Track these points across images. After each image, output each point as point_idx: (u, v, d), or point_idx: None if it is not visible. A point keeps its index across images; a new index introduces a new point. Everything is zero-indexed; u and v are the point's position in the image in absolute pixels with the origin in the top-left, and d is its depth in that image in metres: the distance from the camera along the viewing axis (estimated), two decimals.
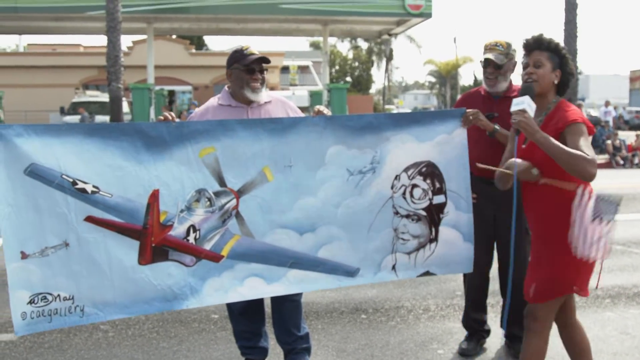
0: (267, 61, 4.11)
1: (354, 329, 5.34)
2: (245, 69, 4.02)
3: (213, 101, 4.20)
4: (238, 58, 4.05)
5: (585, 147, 3.28)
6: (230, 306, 4.29)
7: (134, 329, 5.35)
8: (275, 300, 4.25)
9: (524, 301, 4.68)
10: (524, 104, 3.39)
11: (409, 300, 6.11)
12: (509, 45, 4.54)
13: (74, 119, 25.04)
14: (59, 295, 3.43)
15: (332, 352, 4.84)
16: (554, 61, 3.56)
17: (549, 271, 3.47)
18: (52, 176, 3.37)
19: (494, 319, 5.18)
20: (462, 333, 4.99)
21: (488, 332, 4.91)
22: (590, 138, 3.41)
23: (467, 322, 4.89)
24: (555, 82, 3.58)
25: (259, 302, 4.28)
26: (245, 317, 4.30)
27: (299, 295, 4.28)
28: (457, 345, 4.88)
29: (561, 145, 3.27)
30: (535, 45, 3.58)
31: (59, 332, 5.19)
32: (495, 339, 4.94)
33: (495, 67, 4.50)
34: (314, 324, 5.44)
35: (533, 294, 3.53)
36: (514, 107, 3.41)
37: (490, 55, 4.48)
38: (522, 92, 3.49)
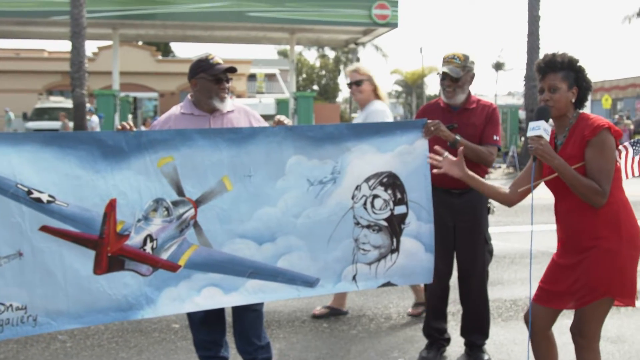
0: (234, 70, 4.11)
1: (315, 338, 5.34)
2: (214, 79, 4.02)
3: (175, 110, 4.18)
4: (205, 68, 4.03)
5: (604, 170, 3.33)
6: (191, 315, 4.26)
7: (93, 339, 5.28)
8: (236, 309, 4.23)
9: (483, 309, 4.78)
10: (539, 130, 3.33)
11: (371, 309, 6.13)
12: (466, 58, 4.58)
13: (38, 125, 24.72)
14: (11, 305, 3.36)
15: None
16: (569, 80, 3.47)
17: (587, 278, 3.40)
18: (7, 185, 3.31)
19: (454, 328, 5.23)
20: (423, 341, 5.02)
21: (448, 340, 4.95)
22: (614, 145, 3.39)
23: (427, 331, 4.92)
24: (573, 100, 3.49)
25: (220, 311, 4.25)
26: (206, 326, 4.27)
27: (261, 304, 4.26)
28: (418, 353, 4.90)
29: (576, 175, 3.31)
30: (548, 67, 3.49)
31: (15, 342, 5.10)
32: (456, 347, 4.98)
33: (452, 80, 4.54)
34: (276, 333, 5.43)
35: (575, 302, 3.47)
36: (530, 132, 3.35)
37: (445, 69, 4.53)
38: (538, 114, 3.42)
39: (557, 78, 3.46)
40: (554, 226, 3.63)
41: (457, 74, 4.53)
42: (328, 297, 5.92)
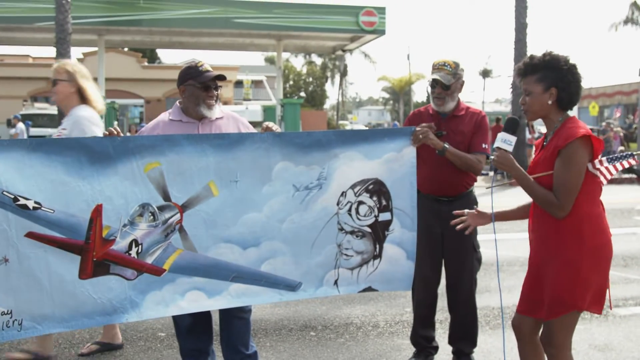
0: (224, 78, 4.09)
1: (302, 347, 5.30)
2: (202, 86, 4.00)
3: (164, 116, 4.16)
4: (193, 75, 4.02)
5: (566, 184, 3.30)
6: (178, 324, 4.23)
7: (77, 348, 5.21)
8: (223, 317, 4.21)
9: (471, 317, 4.76)
10: (498, 142, 3.43)
11: (359, 317, 6.11)
12: (457, 65, 4.57)
13: None
14: None
15: None
16: (546, 80, 3.39)
17: (553, 289, 3.41)
18: None
19: (442, 336, 5.21)
20: (410, 350, 5.00)
21: (436, 348, 4.93)
22: (584, 157, 3.33)
23: (415, 339, 4.90)
24: (550, 102, 3.42)
25: (207, 319, 4.23)
26: (192, 335, 4.23)
27: (248, 312, 4.24)
28: None
29: (533, 187, 3.37)
30: (526, 70, 3.46)
31: None
32: (444, 356, 4.96)
33: (443, 88, 4.53)
34: (263, 341, 5.39)
35: (545, 313, 3.47)
36: (496, 143, 3.45)
37: (437, 76, 4.51)
38: (505, 125, 3.51)
39: (531, 81, 3.44)
40: None
41: (449, 81, 4.51)
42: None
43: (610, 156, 3.55)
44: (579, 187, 3.32)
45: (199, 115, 4.05)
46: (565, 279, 3.36)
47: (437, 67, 4.55)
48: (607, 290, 3.45)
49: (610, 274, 3.45)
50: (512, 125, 3.48)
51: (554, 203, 3.31)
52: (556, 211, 3.33)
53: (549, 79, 3.40)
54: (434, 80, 4.53)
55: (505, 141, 3.41)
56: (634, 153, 3.60)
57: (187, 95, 4.04)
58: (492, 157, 3.42)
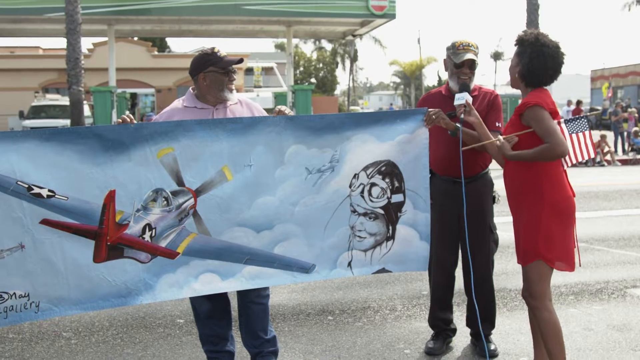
0: (242, 61, 4.18)
1: (320, 331, 5.31)
2: (225, 71, 4.02)
3: (177, 104, 4.16)
4: (214, 61, 4.03)
5: (545, 130, 3.70)
6: (197, 310, 4.25)
7: (98, 336, 5.25)
8: (242, 303, 4.23)
9: (489, 299, 4.75)
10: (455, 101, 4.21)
11: (376, 301, 6.11)
12: (477, 46, 4.57)
13: (35, 123, 24.58)
14: (14, 293, 3.49)
15: (299, 354, 4.81)
16: (517, 56, 3.86)
17: (521, 239, 3.83)
18: (8, 183, 3.40)
19: (460, 318, 5.20)
20: (428, 332, 5.00)
21: (454, 331, 4.92)
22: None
23: (433, 322, 4.89)
24: (517, 75, 3.89)
25: (225, 305, 4.25)
26: (211, 321, 4.25)
27: (266, 298, 4.26)
28: (424, 344, 4.88)
29: (523, 154, 3.79)
30: (515, 42, 3.93)
31: (19, 340, 5.09)
32: (462, 338, 4.96)
33: (470, 67, 4.51)
34: (281, 326, 5.40)
35: (518, 257, 3.90)
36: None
37: (471, 56, 4.47)
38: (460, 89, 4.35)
39: (514, 53, 3.92)
40: None
41: (477, 60, 4.53)
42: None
43: (566, 119, 3.92)
44: (558, 128, 3.73)
45: (220, 100, 4.07)
46: (528, 231, 3.77)
47: (463, 48, 4.49)
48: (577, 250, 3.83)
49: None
50: (465, 87, 4.35)
51: (547, 147, 3.67)
52: (554, 152, 3.68)
53: (518, 55, 3.85)
54: (463, 60, 4.47)
55: (459, 99, 4.13)
56: (587, 115, 3.95)
57: (209, 81, 4.04)
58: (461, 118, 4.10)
